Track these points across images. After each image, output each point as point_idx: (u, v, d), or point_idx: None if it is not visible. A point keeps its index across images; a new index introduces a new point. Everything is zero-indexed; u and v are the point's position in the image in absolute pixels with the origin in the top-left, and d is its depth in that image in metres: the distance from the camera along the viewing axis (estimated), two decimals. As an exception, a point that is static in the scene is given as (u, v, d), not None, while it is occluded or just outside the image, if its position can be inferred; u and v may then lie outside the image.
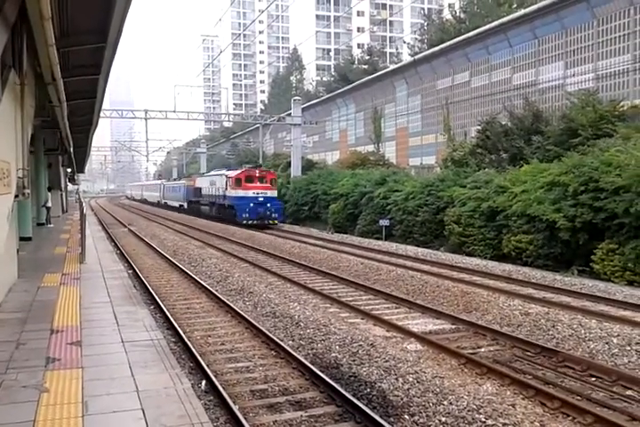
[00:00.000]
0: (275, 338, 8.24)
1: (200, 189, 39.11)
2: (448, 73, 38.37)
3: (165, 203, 55.18)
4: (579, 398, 6.42)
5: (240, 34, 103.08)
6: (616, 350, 7.75)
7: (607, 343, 8.01)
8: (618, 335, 8.23)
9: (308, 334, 8.64)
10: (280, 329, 9.14)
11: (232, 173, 32.34)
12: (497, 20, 34.10)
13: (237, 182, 31.09)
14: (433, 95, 39.59)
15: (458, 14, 51.15)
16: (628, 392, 6.58)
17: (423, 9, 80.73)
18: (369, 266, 15.39)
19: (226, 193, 32.50)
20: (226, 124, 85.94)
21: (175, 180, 57.13)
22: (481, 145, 24.51)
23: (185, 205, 45.08)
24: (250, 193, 30.46)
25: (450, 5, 58.27)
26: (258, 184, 31.06)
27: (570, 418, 5.91)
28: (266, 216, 30.13)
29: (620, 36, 25.80)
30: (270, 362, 7.55)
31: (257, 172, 31.81)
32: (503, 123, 24.35)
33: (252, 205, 29.98)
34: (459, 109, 35.77)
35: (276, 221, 30.65)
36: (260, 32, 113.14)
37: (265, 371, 7.19)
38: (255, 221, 29.75)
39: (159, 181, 65.27)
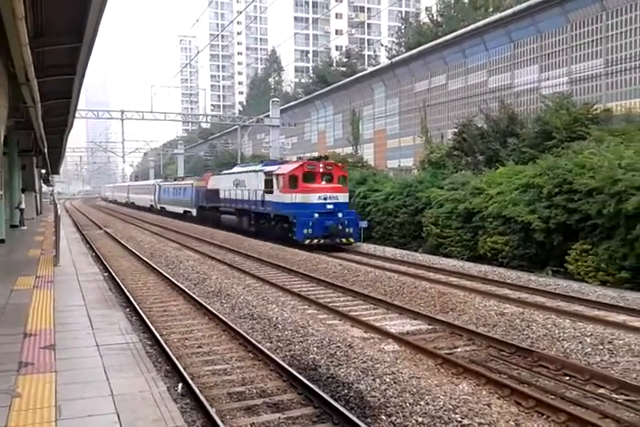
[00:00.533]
0: (252, 340, 8.21)
1: (217, 191, 29.48)
2: (425, 76, 38.72)
3: (163, 208, 44.88)
4: (553, 396, 6.51)
5: (218, 35, 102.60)
6: (589, 349, 7.89)
7: (580, 343, 8.14)
8: (591, 335, 8.38)
9: (286, 335, 8.63)
10: (258, 331, 9.11)
11: (279, 169, 22.42)
12: (473, 24, 34.54)
13: (292, 182, 21.17)
14: (410, 98, 39.91)
15: (435, 18, 51.68)
16: (601, 390, 6.70)
17: (401, 12, 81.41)
18: (347, 267, 15.43)
19: (267, 198, 22.86)
20: (204, 126, 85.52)
21: (176, 179, 45.69)
22: (457, 147, 24.77)
23: (194, 212, 35.66)
24: (313, 198, 20.54)
25: (427, 9, 58.86)
26: (323, 184, 21.23)
27: (544, 417, 5.99)
28: (338, 233, 20.28)
29: (592, 41, 26.33)
30: (248, 364, 7.52)
31: (320, 166, 21.62)
32: (479, 125, 24.65)
33: (316, 215, 20.17)
34: (436, 112, 36.12)
35: (351, 240, 20.75)
36: (239, 33, 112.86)
37: (242, 373, 7.16)
38: (321, 241, 20.20)
39: (152, 181, 54.57)
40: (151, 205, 49.93)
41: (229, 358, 7.79)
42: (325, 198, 20.66)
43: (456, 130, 26.04)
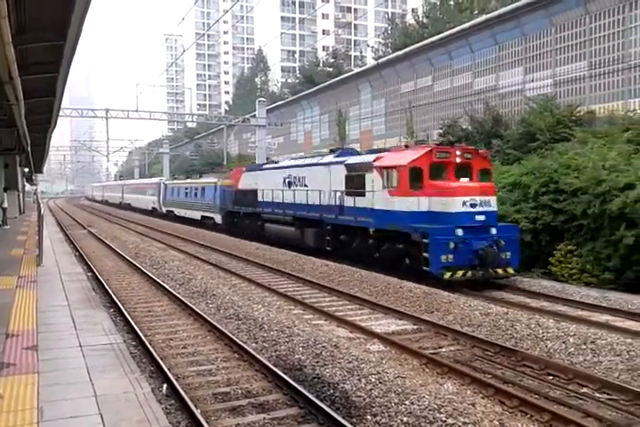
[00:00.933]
0: (238, 340, 8.18)
1: (255, 192, 22.70)
2: (411, 77, 38.86)
3: (170, 213, 38.28)
4: (537, 396, 6.57)
5: (204, 33, 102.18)
6: (572, 349, 7.97)
7: (564, 342, 8.22)
8: (574, 335, 8.46)
9: (272, 336, 8.61)
10: (243, 331, 9.08)
11: (384, 159, 15.10)
12: (459, 26, 34.74)
13: (414, 178, 13.94)
14: (397, 99, 40.03)
15: (421, 19, 51.92)
16: (584, 390, 6.77)
17: (387, 13, 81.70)
18: (333, 268, 15.44)
19: (357, 203, 15.76)
20: (189, 125, 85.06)
21: (190, 176, 37.66)
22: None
23: (217, 218, 28.31)
24: (455, 204, 13.22)
25: (413, 10, 59.10)
26: (465, 182, 13.90)
27: (528, 416, 6.05)
28: (495, 260, 12.93)
29: (576, 44, 26.61)
30: (233, 365, 7.49)
31: (457, 153, 14.24)
32: (464, 127, 24.80)
33: (459, 233, 12.90)
34: (421, 113, 36.25)
35: (510, 271, 13.36)
36: (225, 32, 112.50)
37: (228, 374, 7.13)
38: (469, 273, 12.83)
39: (155, 179, 46.43)
40: (153, 208, 42.86)
41: (214, 358, 7.75)
42: (474, 205, 13.13)
43: (441, 131, 26.19)
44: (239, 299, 11.34)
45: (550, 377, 7.20)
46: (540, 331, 8.72)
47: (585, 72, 25.61)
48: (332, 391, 6.45)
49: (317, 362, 7.38)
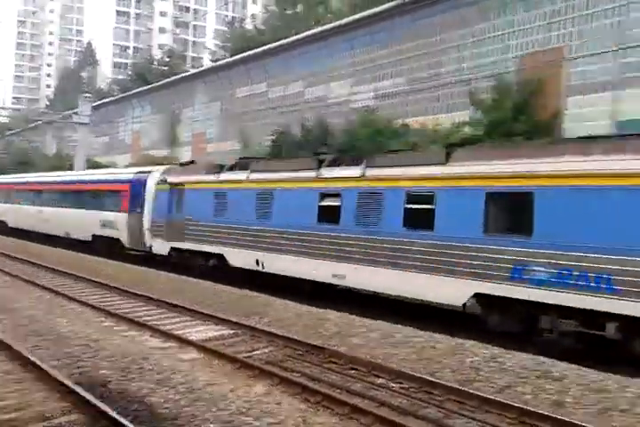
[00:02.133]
0: (33, 359, 7.46)
1: None
2: (246, 82, 39.11)
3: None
4: (339, 390, 6.86)
5: (26, 22, 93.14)
6: (373, 344, 8.53)
7: (367, 338, 8.78)
8: (377, 330, 9.07)
9: (75, 351, 8.02)
10: (43, 348, 8.30)
11: None
12: (294, 36, 35.66)
13: None
14: (232, 103, 40.00)
15: (259, 27, 52.39)
16: (380, 381, 7.22)
17: (227, 16, 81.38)
18: (147, 272, 14.84)
19: None
20: (1, 120, 76.72)
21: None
22: (275, 154, 25.44)
23: None
24: None
25: (252, 16, 59.61)
26: None
27: (329, 411, 6.25)
28: None
29: (397, 61, 28.67)
30: (26, 386, 6.81)
31: None
32: (296, 133, 25.56)
33: None
34: (256, 118, 36.61)
35: None
36: (51, 22, 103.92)
37: (19, 397, 6.44)
38: None
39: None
40: None
41: (5, 380, 6.95)
42: None
43: (273, 137, 26.70)
44: (40, 312, 10.35)
45: (353, 371, 7.59)
46: (347, 328, 9.22)
47: (403, 88, 27.79)
48: (136, 406, 6.18)
49: (124, 376, 7.04)
